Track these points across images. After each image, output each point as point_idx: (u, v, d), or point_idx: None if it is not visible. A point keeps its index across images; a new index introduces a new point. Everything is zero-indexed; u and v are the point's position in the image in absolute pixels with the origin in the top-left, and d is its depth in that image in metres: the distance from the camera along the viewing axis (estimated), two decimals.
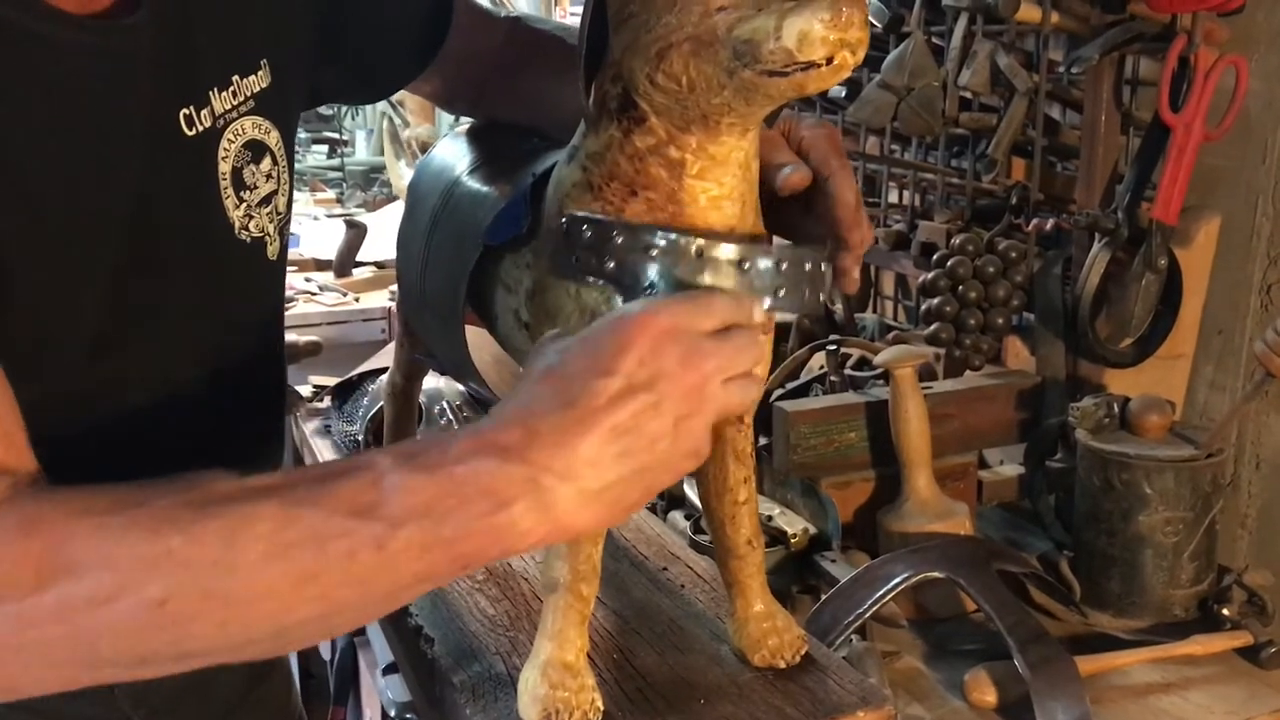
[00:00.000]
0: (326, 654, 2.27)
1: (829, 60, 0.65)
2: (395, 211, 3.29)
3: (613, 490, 0.64)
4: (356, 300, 2.65)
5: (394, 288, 2.65)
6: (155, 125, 0.83)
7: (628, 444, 0.63)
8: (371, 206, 3.70)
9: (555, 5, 3.48)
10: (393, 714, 1.49)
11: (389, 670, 1.56)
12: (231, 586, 0.61)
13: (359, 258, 2.86)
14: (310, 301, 2.61)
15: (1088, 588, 1.18)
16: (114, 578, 0.61)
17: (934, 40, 1.50)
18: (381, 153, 4.27)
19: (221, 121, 0.88)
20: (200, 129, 0.86)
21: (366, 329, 2.56)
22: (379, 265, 2.90)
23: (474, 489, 0.62)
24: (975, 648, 1.09)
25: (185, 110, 0.85)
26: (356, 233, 2.80)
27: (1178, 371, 1.43)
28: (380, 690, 1.61)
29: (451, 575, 0.65)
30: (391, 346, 2.05)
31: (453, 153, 1.07)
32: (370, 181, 4.14)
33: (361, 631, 2.04)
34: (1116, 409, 1.20)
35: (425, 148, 2.92)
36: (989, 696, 1.00)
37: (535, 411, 0.64)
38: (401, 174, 1.39)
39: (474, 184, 0.98)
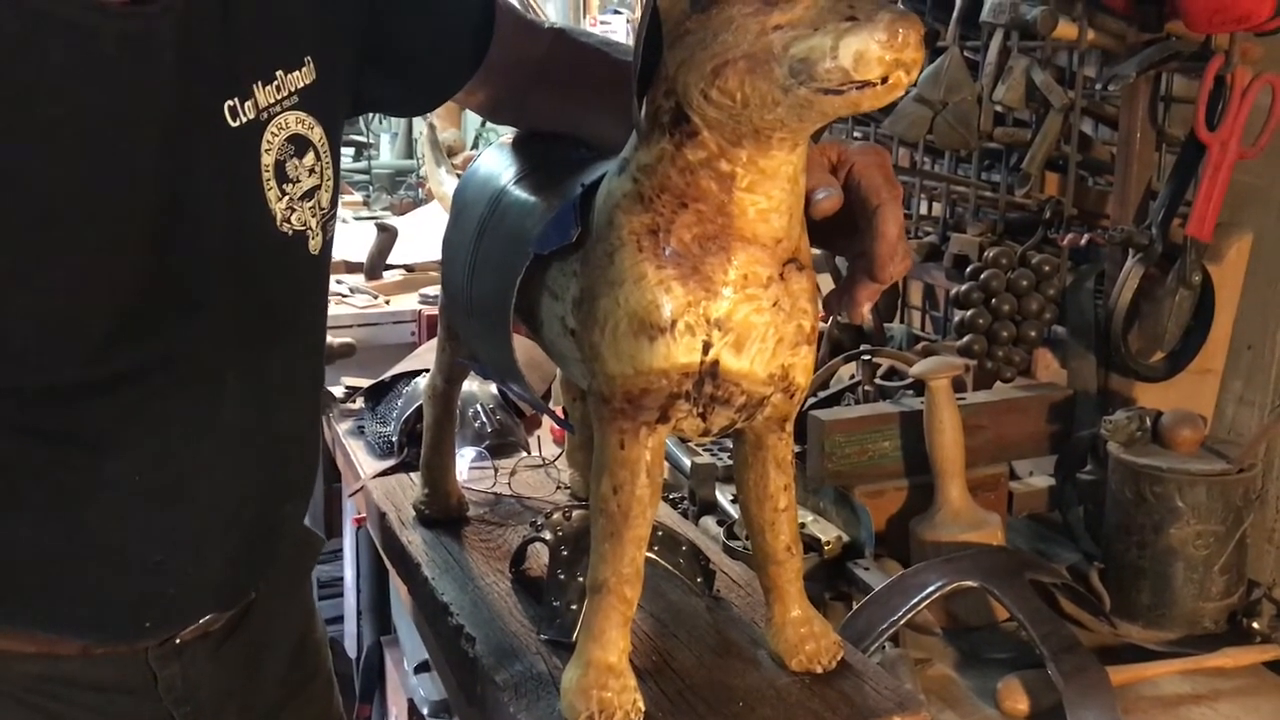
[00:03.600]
0: (352, 653, 2.30)
1: (884, 79, 0.66)
2: (423, 215, 3.32)
3: None
4: (387, 303, 2.67)
5: (424, 291, 2.67)
6: (194, 114, 0.85)
7: None
8: (398, 210, 3.73)
9: (585, 15, 3.51)
10: (425, 712, 1.52)
11: (420, 669, 1.59)
12: None
13: (389, 261, 2.88)
14: (341, 303, 2.63)
15: (1117, 599, 1.19)
16: None
17: (968, 55, 1.51)
18: (408, 156, 4.30)
19: (265, 115, 0.90)
20: (244, 120, 0.88)
21: (397, 331, 2.58)
22: (409, 268, 2.92)
23: None
24: (1006, 656, 1.11)
25: (230, 101, 0.87)
26: (387, 236, 2.82)
27: (1206, 386, 1.44)
28: (411, 688, 1.63)
29: None
30: (423, 349, 2.08)
31: (499, 162, 1.09)
32: (396, 184, 4.17)
33: (389, 630, 2.07)
34: (1149, 423, 1.21)
35: (451, 151, 2.92)
36: (1021, 705, 1.02)
37: None
38: (441, 180, 1.41)
39: (521, 193, 1.00)
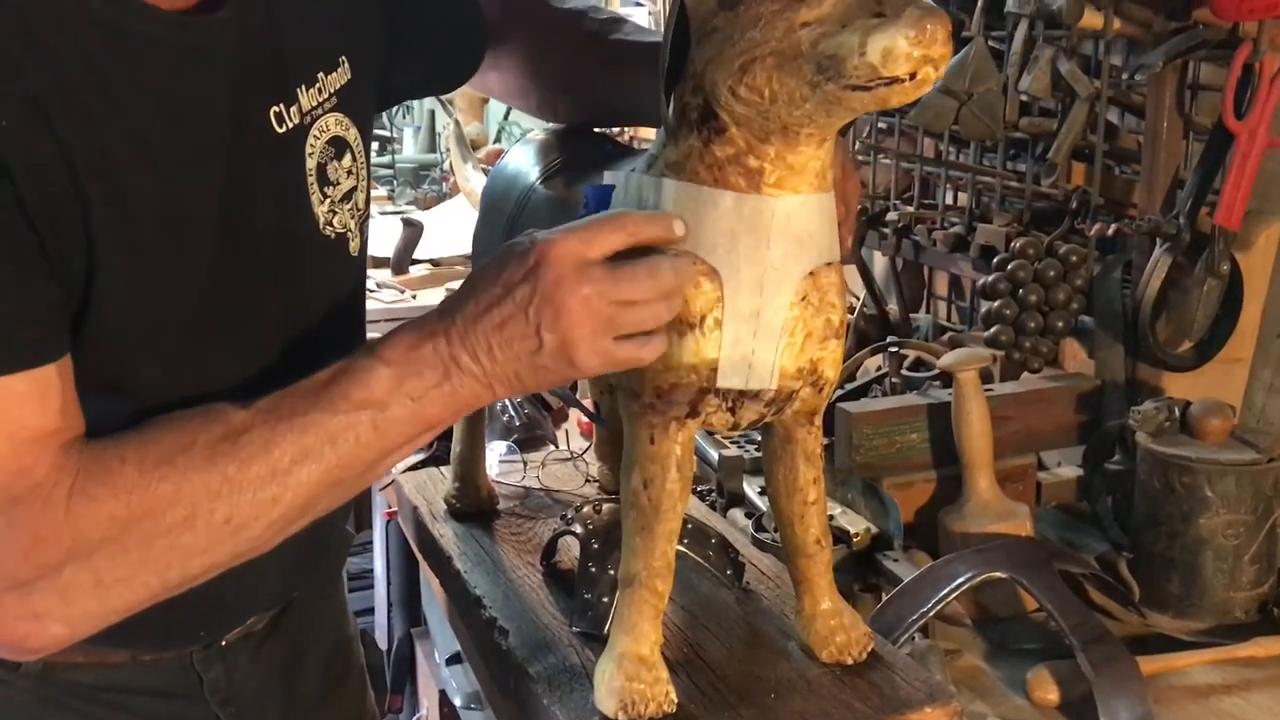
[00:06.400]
0: (383, 644, 2.32)
1: (912, 75, 0.67)
2: (448, 210, 3.33)
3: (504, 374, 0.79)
4: (414, 297, 2.68)
5: (450, 285, 2.69)
6: (246, 123, 0.85)
7: (505, 344, 0.78)
8: (422, 204, 3.73)
9: (606, 6, 3.51)
10: (458, 703, 1.53)
11: (452, 661, 1.60)
12: (275, 492, 0.78)
13: (415, 255, 2.89)
14: (369, 299, 2.64)
15: (1147, 589, 1.19)
16: (187, 510, 0.76)
17: (993, 45, 1.51)
18: (431, 150, 4.31)
19: (309, 118, 0.90)
20: (290, 126, 0.88)
21: None
22: (435, 263, 2.93)
23: (427, 367, 0.78)
24: (1035, 647, 1.11)
25: (276, 108, 0.87)
26: (413, 231, 2.83)
27: (1235, 376, 1.44)
28: (443, 680, 1.65)
29: (428, 433, 0.81)
30: None
31: (526, 159, 1.10)
32: (420, 179, 4.18)
33: (420, 622, 2.09)
34: (1177, 412, 1.21)
35: (475, 145, 2.92)
36: (1051, 695, 1.02)
37: (458, 306, 0.79)
38: (468, 176, 1.42)
39: (550, 190, 1.01)
